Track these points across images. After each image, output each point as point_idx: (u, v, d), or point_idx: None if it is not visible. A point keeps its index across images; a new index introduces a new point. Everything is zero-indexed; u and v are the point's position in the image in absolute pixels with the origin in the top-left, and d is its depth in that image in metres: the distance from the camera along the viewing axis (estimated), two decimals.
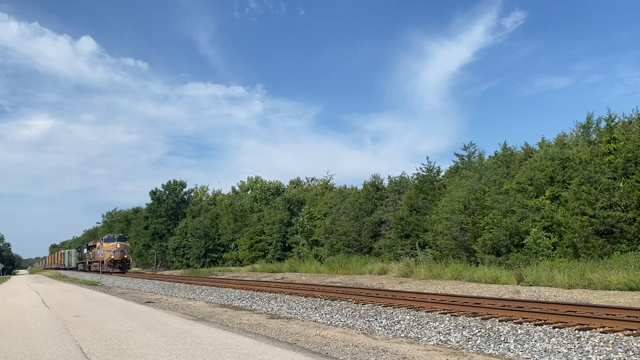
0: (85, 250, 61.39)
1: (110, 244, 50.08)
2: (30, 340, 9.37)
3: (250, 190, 69.05)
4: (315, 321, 10.98)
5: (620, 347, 6.86)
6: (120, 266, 48.99)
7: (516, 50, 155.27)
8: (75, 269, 70.85)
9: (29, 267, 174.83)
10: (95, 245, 55.20)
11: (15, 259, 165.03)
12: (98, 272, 48.36)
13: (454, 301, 12.31)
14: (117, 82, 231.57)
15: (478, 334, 8.27)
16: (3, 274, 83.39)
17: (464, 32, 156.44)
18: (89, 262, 56.35)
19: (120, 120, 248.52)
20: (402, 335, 8.85)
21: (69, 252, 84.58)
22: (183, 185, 75.15)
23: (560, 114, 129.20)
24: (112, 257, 48.81)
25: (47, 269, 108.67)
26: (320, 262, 36.94)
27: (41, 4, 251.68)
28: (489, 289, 17.26)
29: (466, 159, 33.33)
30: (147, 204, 77.06)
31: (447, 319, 9.94)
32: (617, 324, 8.28)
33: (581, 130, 27.31)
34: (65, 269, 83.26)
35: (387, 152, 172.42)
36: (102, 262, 48.04)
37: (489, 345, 7.59)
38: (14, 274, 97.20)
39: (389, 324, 9.77)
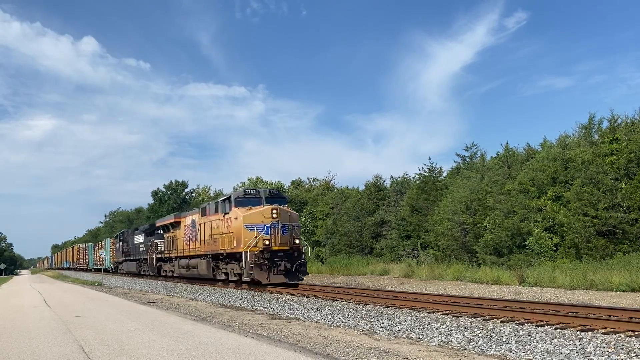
0: (140, 238, 34.84)
1: (256, 209, 19.72)
2: (32, 340, 9.39)
3: None
4: (316, 322, 10.98)
5: (622, 349, 6.85)
6: (288, 266, 19.22)
7: (518, 50, 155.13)
8: (113, 271, 46.37)
9: (31, 267, 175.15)
10: (178, 224, 27.31)
11: (17, 259, 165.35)
12: (190, 279, 25.92)
13: (455, 302, 12.29)
14: (119, 83, 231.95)
15: (480, 335, 8.26)
16: (5, 274, 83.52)
17: (466, 32, 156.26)
18: (159, 259, 30.42)
19: (122, 121, 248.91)
20: (404, 336, 8.84)
21: (97, 246, 56.56)
22: (185, 185, 75.18)
23: (562, 114, 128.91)
24: (266, 241, 19.02)
25: (56, 269, 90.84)
26: (322, 263, 36.93)
27: (43, 4, 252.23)
28: (491, 289, 17.24)
29: (468, 159, 33.31)
30: (149, 204, 77.11)
31: (449, 319, 9.93)
32: (619, 325, 8.26)
33: (583, 130, 27.27)
34: (87, 269, 60.03)
35: (389, 153, 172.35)
36: (230, 256, 20.62)
37: (491, 346, 7.58)
38: (16, 274, 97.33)
39: (391, 325, 9.77)
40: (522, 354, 7.04)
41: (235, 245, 19.55)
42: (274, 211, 19.11)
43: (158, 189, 74.42)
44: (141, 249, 34.97)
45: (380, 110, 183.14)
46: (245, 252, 18.68)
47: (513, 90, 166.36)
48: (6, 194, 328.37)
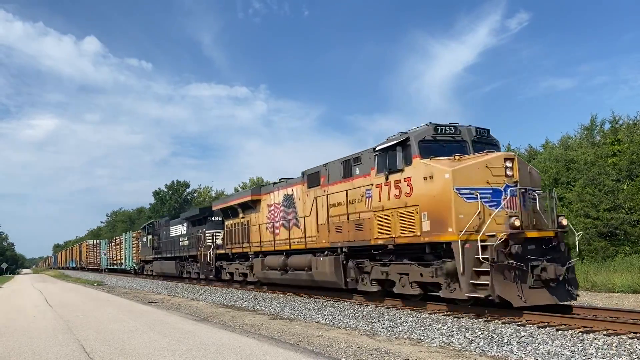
0: (181, 229, 27.47)
1: (469, 159, 10.46)
2: (33, 340, 9.40)
3: None
4: (317, 322, 10.98)
5: (624, 350, 6.83)
6: (559, 271, 9.59)
7: (520, 51, 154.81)
8: (137, 272, 38.68)
9: (33, 267, 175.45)
10: (255, 203, 18.72)
11: (19, 258, 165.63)
12: (289, 287, 16.93)
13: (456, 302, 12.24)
14: (121, 82, 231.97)
15: (481, 336, 8.25)
16: (6, 274, 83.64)
17: (468, 33, 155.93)
18: (219, 256, 22.14)
19: (124, 121, 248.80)
20: (405, 336, 8.84)
21: (114, 242, 48.41)
22: (186, 185, 75.31)
23: (564, 115, 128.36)
24: (515, 220, 9.59)
25: (60, 269, 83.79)
26: None
27: (45, 4, 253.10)
28: None
29: None
30: (150, 204, 77.26)
31: (450, 320, 9.91)
32: (621, 326, 8.24)
33: (585, 132, 27.27)
34: (98, 270, 49.58)
35: None
36: (402, 250, 11.51)
37: (492, 347, 7.57)
38: (18, 273, 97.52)
39: (392, 326, 9.76)
40: (523, 355, 7.02)
41: (428, 228, 10.46)
42: (509, 163, 10.26)
43: (159, 189, 74.63)
44: (182, 244, 26.78)
45: (382, 110, 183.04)
46: (465, 242, 9.70)
47: (515, 91, 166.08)
48: (8, 193, 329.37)
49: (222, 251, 21.62)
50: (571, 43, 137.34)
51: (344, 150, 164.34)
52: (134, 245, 38.67)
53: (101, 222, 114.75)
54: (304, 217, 15.10)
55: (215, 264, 22.27)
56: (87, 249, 60.15)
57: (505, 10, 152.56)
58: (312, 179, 15.14)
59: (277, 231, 17.09)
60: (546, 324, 8.95)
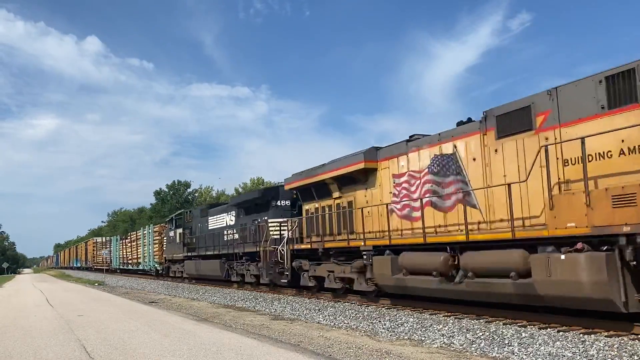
0: (227, 219, 22.63)
1: None
2: (34, 339, 9.41)
3: None
4: (318, 322, 10.98)
5: (626, 352, 6.82)
6: None
7: (522, 52, 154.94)
8: (161, 274, 32.78)
9: (34, 266, 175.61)
10: (367, 174, 13.46)
11: (20, 258, 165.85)
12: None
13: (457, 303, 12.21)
14: (122, 82, 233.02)
15: (482, 337, 8.24)
16: (8, 273, 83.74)
17: (470, 33, 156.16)
18: (296, 254, 16.19)
19: (124, 121, 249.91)
20: (406, 337, 8.83)
21: (129, 238, 43.02)
22: (187, 185, 75.38)
23: None
24: None
25: (63, 268, 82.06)
26: None
27: (47, 4, 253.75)
28: None
29: None
30: (151, 204, 77.37)
31: (451, 321, 9.91)
32: (623, 327, 8.21)
33: None
34: (109, 270, 45.98)
35: None
36: None
37: (493, 348, 7.56)
38: (18, 273, 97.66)
39: (393, 326, 9.76)
40: (524, 357, 7.01)
41: None
42: None
43: (160, 188, 74.72)
44: (228, 237, 21.88)
45: (383, 110, 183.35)
46: None
47: (517, 91, 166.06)
48: (9, 193, 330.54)
49: (307, 246, 15.79)
50: (573, 43, 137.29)
51: (345, 150, 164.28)
52: (156, 241, 33.08)
53: (102, 221, 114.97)
54: (508, 185, 9.25)
55: (292, 263, 16.39)
56: (93, 247, 54.77)
57: (506, 10, 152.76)
58: (509, 121, 9.74)
59: (417, 214, 11.59)
60: (547, 325, 8.94)
